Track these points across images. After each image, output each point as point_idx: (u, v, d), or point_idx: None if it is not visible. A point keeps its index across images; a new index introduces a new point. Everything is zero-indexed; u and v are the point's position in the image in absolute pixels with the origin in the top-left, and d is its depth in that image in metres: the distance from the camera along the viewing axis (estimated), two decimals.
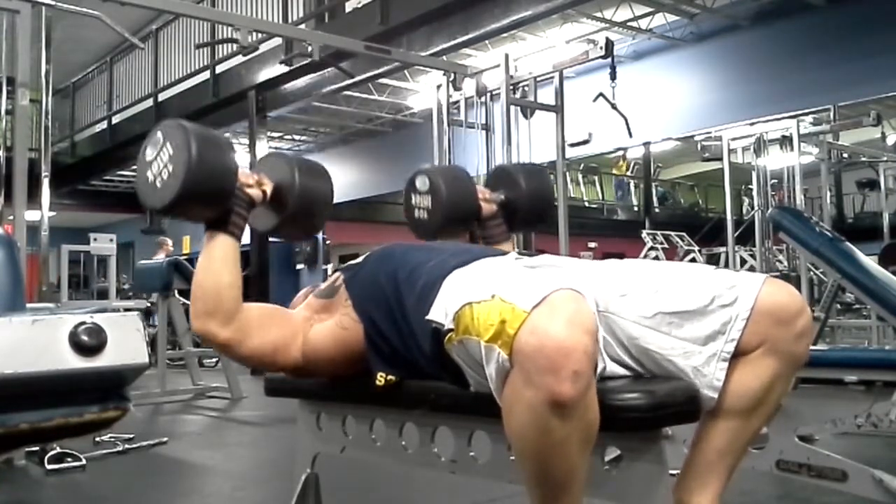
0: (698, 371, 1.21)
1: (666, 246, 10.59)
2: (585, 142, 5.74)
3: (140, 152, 1.46)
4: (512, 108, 4.98)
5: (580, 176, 14.79)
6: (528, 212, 1.91)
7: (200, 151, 1.38)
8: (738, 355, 1.22)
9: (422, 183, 1.81)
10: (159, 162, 1.41)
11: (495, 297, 1.09)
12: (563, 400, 1.00)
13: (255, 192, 1.49)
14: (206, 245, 1.46)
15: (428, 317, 1.21)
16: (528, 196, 1.89)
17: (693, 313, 1.22)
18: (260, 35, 5.34)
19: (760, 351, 1.21)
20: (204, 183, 1.40)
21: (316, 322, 1.46)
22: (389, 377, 1.34)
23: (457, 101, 5.42)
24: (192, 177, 1.38)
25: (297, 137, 12.02)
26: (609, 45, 4.85)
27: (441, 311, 1.19)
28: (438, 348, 1.21)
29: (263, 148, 8.00)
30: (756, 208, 7.43)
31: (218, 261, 1.44)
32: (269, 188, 1.51)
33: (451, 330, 1.16)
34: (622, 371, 1.25)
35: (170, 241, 9.67)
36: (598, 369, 1.14)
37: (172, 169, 1.39)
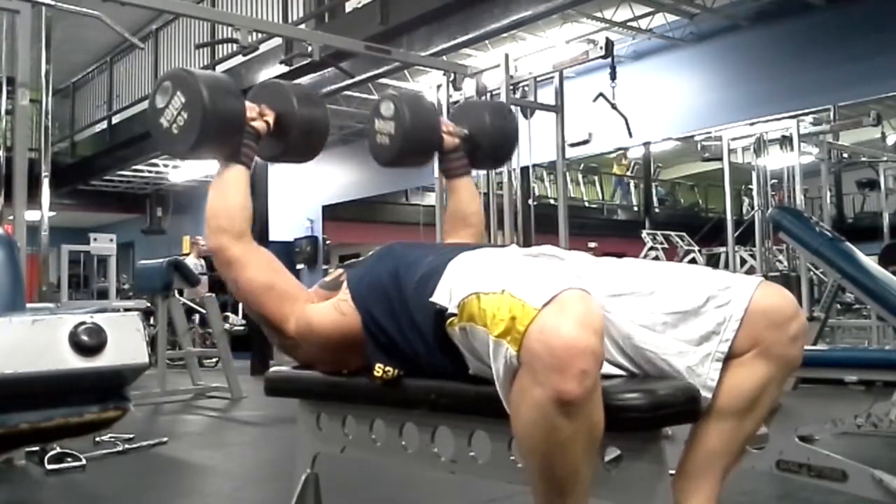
0: (692, 371, 1.21)
1: (666, 246, 10.58)
2: (585, 142, 5.74)
3: (149, 99, 1.55)
4: (512, 108, 4.97)
5: (580, 176, 14.78)
6: (490, 148, 1.92)
7: (212, 96, 1.47)
8: (731, 357, 1.22)
9: (386, 108, 1.81)
10: (172, 109, 1.50)
11: (505, 292, 1.10)
12: (570, 399, 1.01)
13: (260, 125, 1.58)
14: (218, 174, 1.55)
15: (432, 298, 1.21)
16: (492, 133, 1.91)
17: (687, 314, 1.23)
18: (260, 35, 5.34)
19: (753, 353, 1.22)
20: (218, 124, 1.49)
21: (316, 300, 1.48)
22: (387, 369, 1.34)
23: (457, 101, 5.41)
24: (207, 122, 1.46)
25: None
26: (609, 45, 4.85)
27: (445, 294, 1.20)
28: (439, 331, 1.22)
29: None
30: (756, 208, 7.42)
31: (230, 184, 1.53)
32: (271, 119, 1.60)
33: (453, 315, 1.16)
34: (616, 371, 1.25)
35: (201, 240, 9.66)
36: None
37: (188, 116, 1.48)
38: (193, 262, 8.75)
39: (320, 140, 1.68)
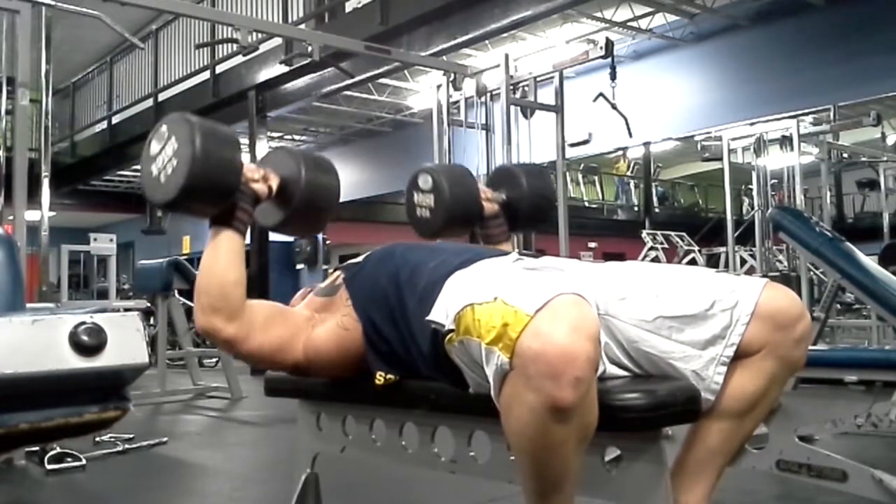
0: (697, 375, 1.21)
1: (666, 246, 10.58)
2: (585, 142, 5.75)
3: (145, 146, 1.43)
4: (512, 108, 4.98)
5: (580, 176, 14.79)
6: (529, 211, 1.90)
7: (205, 146, 1.35)
8: (735, 358, 1.22)
9: (424, 181, 1.80)
10: (164, 156, 1.38)
11: (498, 300, 1.09)
12: (564, 405, 1.00)
13: (260, 188, 1.46)
14: (210, 241, 1.43)
15: (429, 317, 1.20)
16: (530, 196, 1.89)
17: (693, 318, 1.22)
18: (260, 35, 5.35)
19: (759, 355, 1.21)
20: (208, 178, 1.37)
21: (318, 323, 1.45)
22: (389, 376, 1.33)
23: (457, 101, 5.41)
24: (195, 172, 1.34)
25: (297, 137, 12.01)
26: (609, 45, 4.85)
27: (442, 312, 1.19)
28: (438, 350, 1.21)
29: (263, 148, 8.01)
30: (756, 208, 7.43)
31: (223, 257, 1.41)
32: (275, 183, 1.49)
33: (451, 331, 1.15)
34: (621, 373, 1.25)
35: None
36: (599, 371, 1.14)
37: (177, 164, 1.36)
38: None
39: (327, 211, 1.55)
